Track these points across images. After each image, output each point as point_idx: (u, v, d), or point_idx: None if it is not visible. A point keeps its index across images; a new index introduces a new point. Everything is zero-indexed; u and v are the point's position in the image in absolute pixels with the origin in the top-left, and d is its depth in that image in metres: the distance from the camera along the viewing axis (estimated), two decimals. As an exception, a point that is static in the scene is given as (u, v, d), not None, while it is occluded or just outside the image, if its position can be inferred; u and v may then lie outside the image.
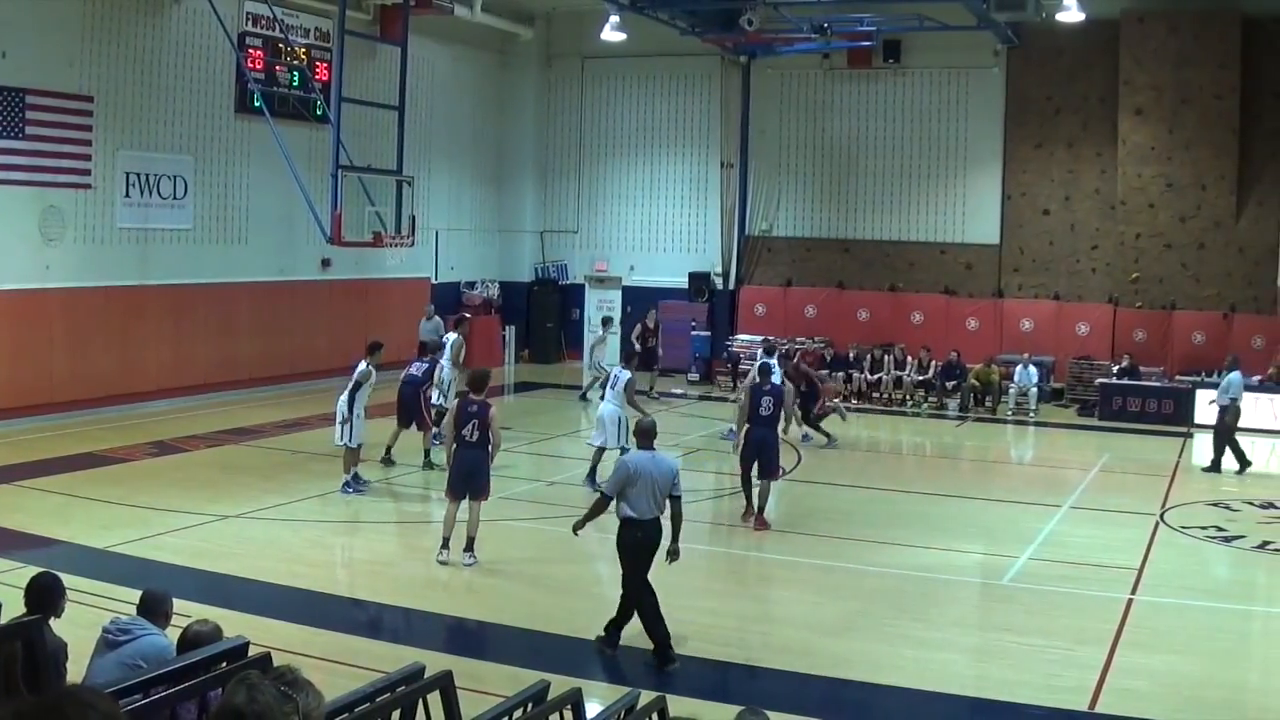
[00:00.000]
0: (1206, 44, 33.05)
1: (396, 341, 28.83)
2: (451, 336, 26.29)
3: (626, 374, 22.49)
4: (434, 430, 23.88)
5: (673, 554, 13.75)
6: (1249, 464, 25.59)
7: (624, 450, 19.45)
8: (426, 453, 24.05)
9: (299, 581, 16.03)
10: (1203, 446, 28.43)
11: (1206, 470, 25.66)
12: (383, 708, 7.76)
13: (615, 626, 13.84)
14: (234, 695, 3.82)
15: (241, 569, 16.47)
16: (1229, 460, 25.58)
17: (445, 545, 17.30)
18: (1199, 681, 13.13)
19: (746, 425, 20.63)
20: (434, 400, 24.15)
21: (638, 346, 31.53)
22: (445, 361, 24.78)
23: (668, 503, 13.66)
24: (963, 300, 36.90)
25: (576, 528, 14.23)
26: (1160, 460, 26.55)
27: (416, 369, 24.06)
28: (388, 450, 23.97)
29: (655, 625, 13.45)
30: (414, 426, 23.88)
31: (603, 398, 23.18)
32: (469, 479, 17.31)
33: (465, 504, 17.38)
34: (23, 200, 26.56)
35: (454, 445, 17.37)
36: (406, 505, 21.89)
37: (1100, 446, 28.71)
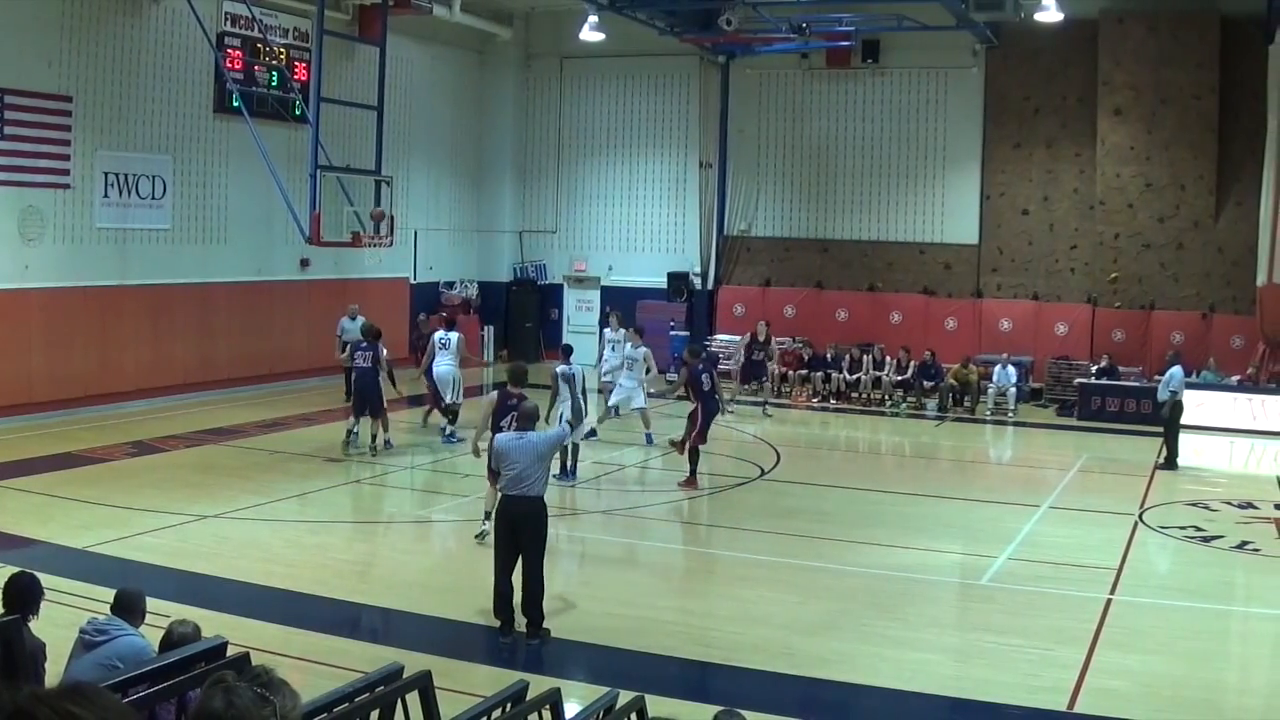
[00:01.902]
0: (1185, 44, 33.15)
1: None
2: (453, 335, 26.43)
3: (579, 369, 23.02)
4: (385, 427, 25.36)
5: None
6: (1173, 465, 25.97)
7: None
8: (373, 438, 24.96)
9: (277, 581, 15.99)
10: (1182, 446, 28.53)
11: (1162, 468, 25.75)
12: (361, 708, 7.77)
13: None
14: (211, 700, 3.80)
15: (220, 569, 16.42)
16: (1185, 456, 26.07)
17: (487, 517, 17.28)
18: (1177, 681, 13.15)
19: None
20: (447, 399, 25.91)
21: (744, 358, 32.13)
22: (451, 356, 26.08)
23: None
24: (942, 300, 36.94)
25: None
26: (1139, 460, 26.58)
27: (364, 360, 24.94)
28: (349, 436, 25.15)
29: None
30: (367, 414, 24.94)
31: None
32: None
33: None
34: (1, 200, 26.51)
35: (490, 434, 17.28)
36: (386, 505, 21.87)
37: (1079, 446, 28.76)
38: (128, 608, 9.46)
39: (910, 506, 22.35)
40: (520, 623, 14.15)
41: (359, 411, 24.94)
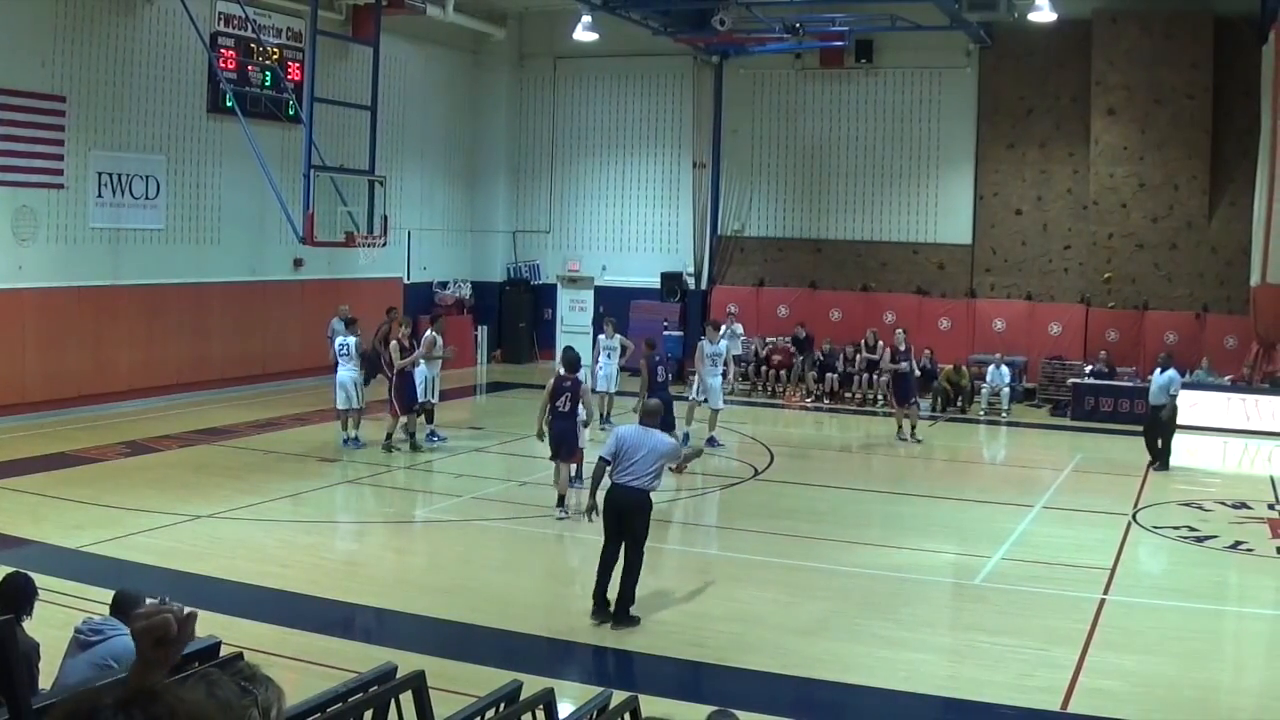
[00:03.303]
0: (1179, 44, 33.18)
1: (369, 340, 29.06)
2: (428, 334, 26.50)
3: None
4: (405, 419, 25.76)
5: None
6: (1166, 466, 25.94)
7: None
8: (411, 435, 25.47)
9: (271, 581, 15.99)
10: (1176, 446, 28.58)
11: (1158, 469, 25.71)
12: (355, 708, 7.76)
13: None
14: (193, 690, 3.82)
15: (213, 569, 16.41)
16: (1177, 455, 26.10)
17: (561, 503, 20.05)
18: (1171, 681, 13.16)
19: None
20: (421, 397, 25.84)
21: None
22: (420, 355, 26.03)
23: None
24: (935, 300, 36.96)
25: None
26: (1132, 460, 26.56)
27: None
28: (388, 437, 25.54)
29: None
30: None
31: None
32: (562, 443, 20.18)
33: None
34: (-5, 200, 26.52)
35: (549, 416, 20.26)
36: (380, 505, 21.84)
37: (1073, 446, 28.78)
38: (125, 609, 9.43)
39: (903, 506, 22.37)
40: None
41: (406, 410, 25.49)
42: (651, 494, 14.94)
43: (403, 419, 25.46)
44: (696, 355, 27.92)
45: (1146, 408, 26.97)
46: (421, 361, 25.68)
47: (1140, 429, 26.95)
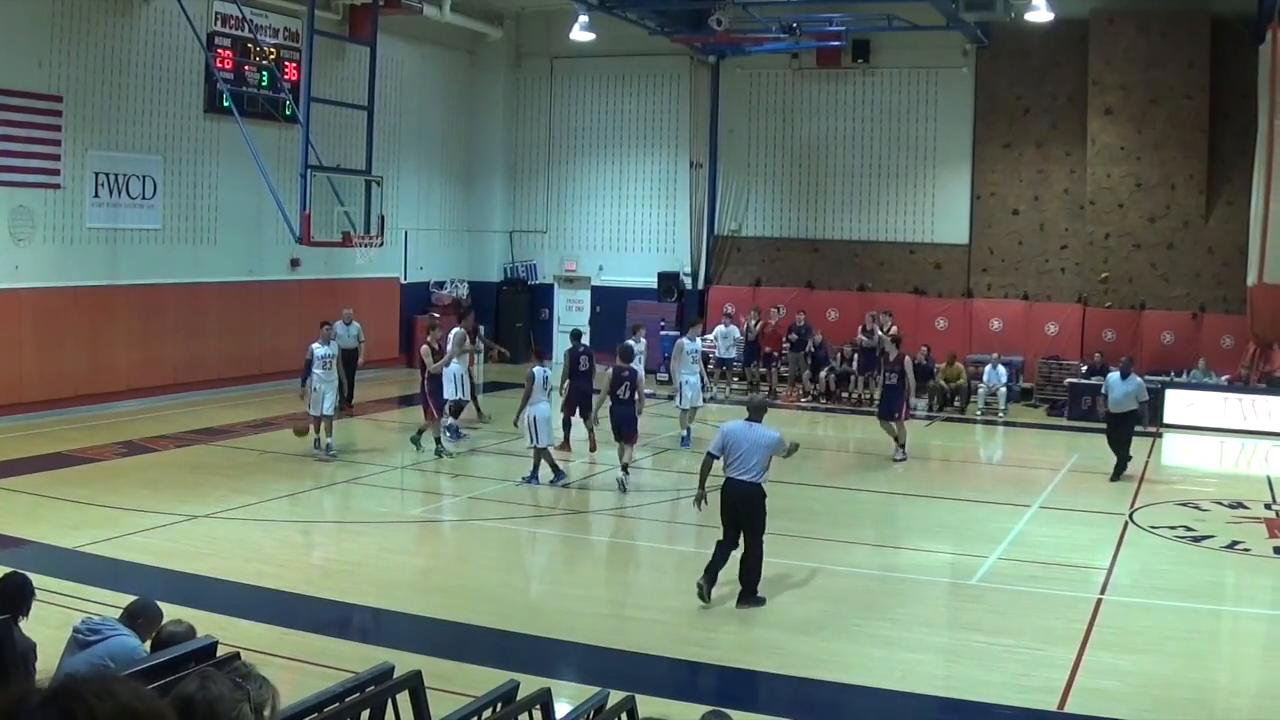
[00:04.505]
0: (1175, 44, 33.19)
1: (366, 341, 29.09)
2: (456, 330, 26.70)
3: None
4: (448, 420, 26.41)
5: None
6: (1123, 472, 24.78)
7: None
8: (437, 440, 25.37)
9: (268, 581, 15.98)
10: (1172, 446, 28.64)
11: (1114, 479, 24.41)
12: (352, 708, 7.76)
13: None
14: (187, 685, 3.87)
15: (210, 569, 16.41)
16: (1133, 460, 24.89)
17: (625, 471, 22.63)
18: (1168, 681, 13.16)
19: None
20: (454, 395, 26.38)
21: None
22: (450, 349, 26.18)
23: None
24: (932, 300, 36.96)
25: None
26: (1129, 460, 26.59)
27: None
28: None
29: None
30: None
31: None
32: (623, 426, 22.90)
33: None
34: (-9, 200, 26.51)
35: (609, 402, 23.09)
36: (376, 505, 21.81)
37: (1069, 446, 28.74)
38: (132, 617, 9.41)
39: (901, 506, 22.39)
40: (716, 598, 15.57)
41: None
42: (763, 485, 15.66)
43: (444, 420, 25.86)
44: (675, 352, 28.36)
45: (1105, 414, 25.38)
46: (455, 360, 25.92)
47: (1140, 429, 26.60)
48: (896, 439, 26.48)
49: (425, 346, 25.63)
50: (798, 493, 23.27)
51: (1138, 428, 24.86)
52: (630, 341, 25.40)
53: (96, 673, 3.25)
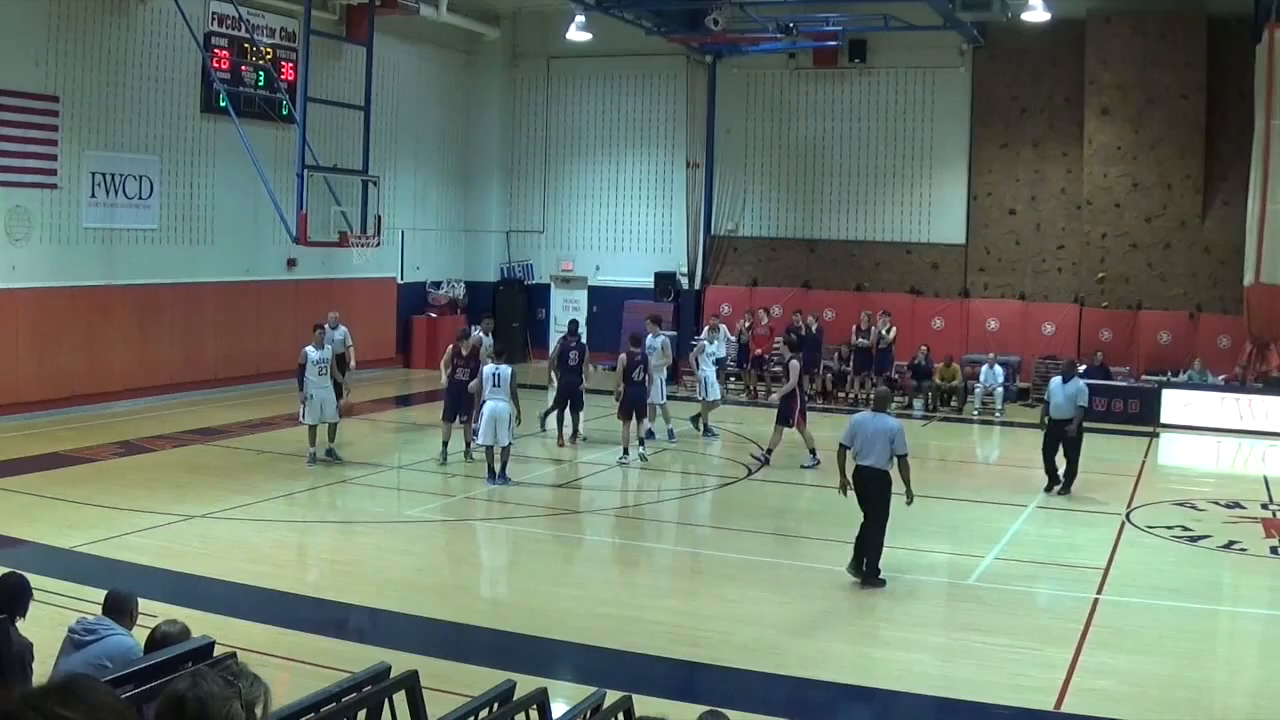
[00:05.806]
0: (1172, 44, 33.23)
1: (360, 342, 28.98)
2: (474, 334, 26.43)
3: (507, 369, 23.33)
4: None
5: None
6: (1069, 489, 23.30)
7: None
8: (467, 444, 24.85)
9: (265, 581, 15.97)
10: (1169, 446, 28.65)
11: (1060, 493, 23.06)
12: (348, 708, 7.75)
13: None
14: (178, 683, 3.89)
15: (207, 569, 16.40)
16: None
17: (626, 453, 24.94)
18: (1165, 681, 13.17)
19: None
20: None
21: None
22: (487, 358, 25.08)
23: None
24: (929, 300, 36.94)
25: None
26: (1126, 460, 26.60)
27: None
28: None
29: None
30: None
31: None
32: (636, 405, 25.21)
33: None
34: (-12, 200, 26.49)
35: (623, 386, 25.01)
36: (373, 505, 21.79)
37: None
38: (118, 609, 9.42)
39: (897, 506, 22.36)
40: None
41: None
42: (889, 471, 16.74)
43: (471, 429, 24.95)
44: (696, 352, 29.43)
45: (1045, 421, 23.66)
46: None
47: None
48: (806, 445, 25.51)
49: (448, 351, 25.23)
50: (795, 492, 23.33)
51: (1068, 429, 22.84)
52: (645, 333, 27.10)
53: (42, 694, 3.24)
